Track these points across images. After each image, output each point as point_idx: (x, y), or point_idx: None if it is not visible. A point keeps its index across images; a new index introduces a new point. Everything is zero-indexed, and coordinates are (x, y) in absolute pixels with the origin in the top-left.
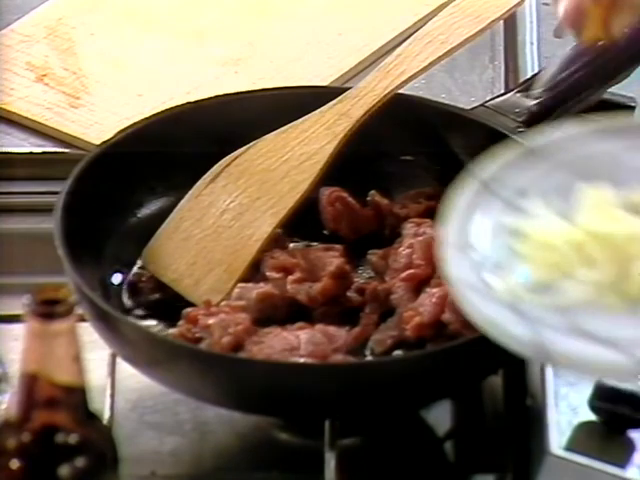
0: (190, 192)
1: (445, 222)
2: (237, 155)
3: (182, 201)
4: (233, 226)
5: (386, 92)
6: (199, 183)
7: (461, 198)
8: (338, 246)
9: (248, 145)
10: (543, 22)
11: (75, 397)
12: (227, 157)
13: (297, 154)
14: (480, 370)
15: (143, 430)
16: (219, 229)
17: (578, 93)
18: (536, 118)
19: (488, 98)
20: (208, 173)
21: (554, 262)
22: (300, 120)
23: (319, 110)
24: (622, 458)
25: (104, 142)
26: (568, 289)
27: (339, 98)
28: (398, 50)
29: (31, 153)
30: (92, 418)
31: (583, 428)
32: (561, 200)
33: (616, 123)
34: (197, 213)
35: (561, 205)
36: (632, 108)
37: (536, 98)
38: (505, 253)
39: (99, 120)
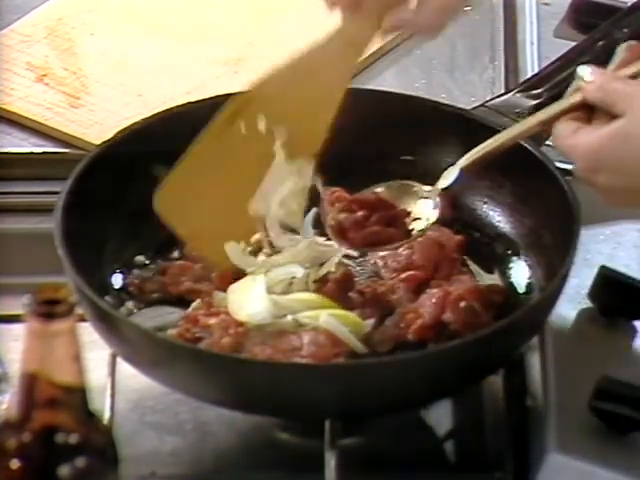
0: (200, 137)
1: None
2: (248, 97)
3: (193, 145)
4: (249, 179)
5: None
6: (210, 127)
7: None
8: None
9: (256, 82)
10: (543, 22)
11: (75, 397)
12: (237, 97)
13: (309, 92)
14: (480, 370)
15: (143, 430)
16: (234, 179)
17: None
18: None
19: (488, 98)
20: (219, 116)
21: None
22: (306, 49)
23: (325, 37)
24: (622, 459)
25: (104, 142)
26: None
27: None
28: None
29: (31, 153)
30: (92, 418)
31: (583, 428)
32: None
33: None
34: (210, 161)
35: None
36: None
37: (536, 98)
38: None
39: (99, 120)
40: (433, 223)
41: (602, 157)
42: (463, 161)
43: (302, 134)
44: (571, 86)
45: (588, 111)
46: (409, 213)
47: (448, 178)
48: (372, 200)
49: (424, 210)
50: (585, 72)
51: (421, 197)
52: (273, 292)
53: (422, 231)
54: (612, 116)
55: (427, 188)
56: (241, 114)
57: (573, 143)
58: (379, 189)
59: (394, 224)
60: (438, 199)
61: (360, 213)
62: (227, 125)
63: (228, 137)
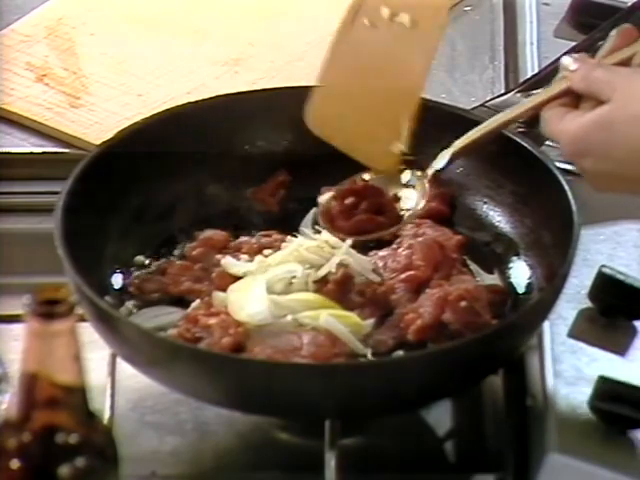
0: (333, 38)
1: None
2: None
3: (328, 50)
4: (388, 73)
5: None
6: (339, 26)
7: None
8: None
9: None
10: (543, 22)
11: (75, 397)
12: None
13: None
14: (480, 370)
15: (143, 430)
16: (374, 77)
17: None
18: (536, 118)
19: (488, 98)
20: (345, 13)
21: None
22: None
23: None
24: (622, 459)
25: (104, 142)
26: None
27: None
28: None
29: (31, 153)
30: (92, 418)
31: (583, 428)
32: None
33: None
34: (347, 64)
35: None
36: None
37: None
38: None
39: (99, 120)
40: (422, 209)
41: (588, 143)
42: (456, 145)
43: (425, 13)
44: (558, 74)
45: (575, 96)
46: (399, 198)
47: (440, 161)
48: (360, 188)
49: (413, 196)
50: (568, 62)
51: (410, 182)
52: (273, 291)
53: (410, 218)
54: (598, 101)
55: (418, 173)
56: (362, 10)
57: (560, 128)
58: (368, 175)
59: (384, 211)
60: (427, 185)
61: (348, 200)
62: (351, 25)
63: (355, 36)
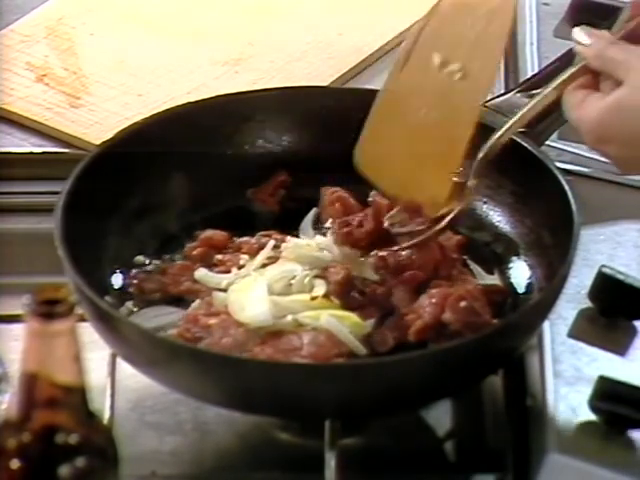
0: (383, 85)
1: None
2: (417, 34)
3: (378, 95)
4: (437, 117)
5: None
6: (391, 73)
7: None
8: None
9: (423, 19)
10: (543, 22)
11: (75, 397)
12: (408, 39)
13: (480, 15)
14: (480, 370)
15: (143, 430)
16: (423, 123)
17: None
18: (536, 118)
19: (488, 98)
20: (396, 61)
21: None
22: None
23: None
24: (622, 458)
25: (104, 142)
26: None
27: None
28: None
29: (31, 153)
30: (92, 418)
31: (583, 428)
32: None
33: None
34: (396, 108)
35: None
36: None
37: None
38: None
39: (99, 120)
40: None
41: (607, 130)
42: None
43: (475, 66)
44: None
45: (595, 74)
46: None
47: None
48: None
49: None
50: (581, 36)
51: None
52: (272, 291)
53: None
54: (616, 79)
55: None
56: (414, 54)
57: (579, 116)
58: None
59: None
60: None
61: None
62: (403, 67)
63: (406, 80)
